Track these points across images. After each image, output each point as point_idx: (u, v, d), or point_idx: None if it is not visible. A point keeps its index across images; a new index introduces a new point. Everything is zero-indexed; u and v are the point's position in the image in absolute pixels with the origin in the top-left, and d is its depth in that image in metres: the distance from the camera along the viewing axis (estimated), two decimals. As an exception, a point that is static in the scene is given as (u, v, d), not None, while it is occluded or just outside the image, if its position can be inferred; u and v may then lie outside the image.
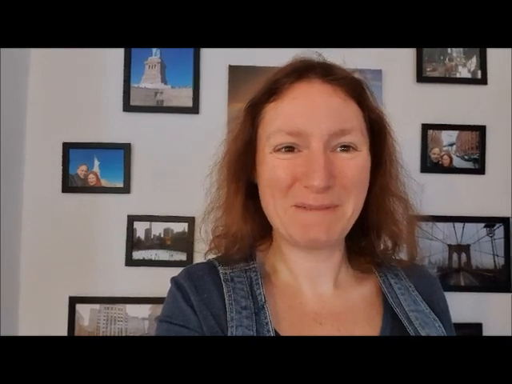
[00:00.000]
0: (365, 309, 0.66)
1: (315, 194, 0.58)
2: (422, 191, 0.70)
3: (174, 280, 0.67)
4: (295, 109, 0.60)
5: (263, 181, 0.63)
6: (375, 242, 0.69)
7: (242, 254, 0.67)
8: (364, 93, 0.64)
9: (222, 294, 0.63)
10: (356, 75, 0.65)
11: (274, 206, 0.62)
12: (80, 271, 1.32)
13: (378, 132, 0.65)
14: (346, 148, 0.60)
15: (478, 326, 1.34)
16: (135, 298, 1.31)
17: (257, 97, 0.65)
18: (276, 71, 0.65)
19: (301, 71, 0.62)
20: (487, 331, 1.34)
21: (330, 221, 0.59)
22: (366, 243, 0.69)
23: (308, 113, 0.59)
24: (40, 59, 1.34)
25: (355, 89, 0.63)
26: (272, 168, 0.61)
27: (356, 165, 0.60)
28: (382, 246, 0.69)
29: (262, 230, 0.69)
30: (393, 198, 0.67)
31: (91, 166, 1.34)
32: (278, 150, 0.60)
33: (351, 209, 0.60)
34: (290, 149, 0.60)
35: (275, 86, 0.63)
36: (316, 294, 0.66)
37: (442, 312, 0.69)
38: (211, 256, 0.71)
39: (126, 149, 1.33)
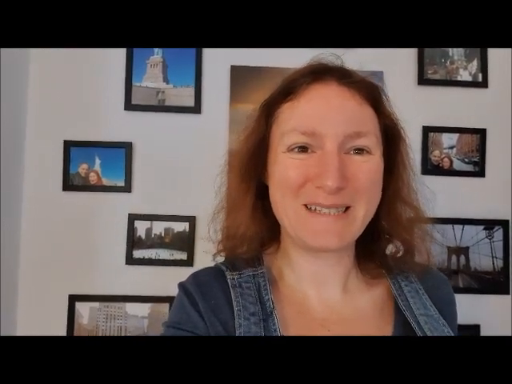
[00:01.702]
0: (375, 315, 0.65)
1: (327, 194, 0.57)
2: (435, 199, 0.69)
3: (181, 285, 0.66)
4: (311, 109, 0.59)
5: (274, 180, 0.62)
6: (386, 247, 0.68)
7: (249, 254, 0.66)
8: (380, 98, 0.63)
9: (229, 300, 0.62)
10: (372, 80, 0.64)
11: (283, 205, 0.61)
12: (80, 270, 1.32)
13: (391, 137, 0.64)
14: (360, 151, 0.59)
15: (476, 328, 1.34)
16: (135, 297, 1.31)
17: (272, 96, 0.64)
18: (293, 72, 0.64)
19: (318, 73, 0.62)
20: (485, 333, 1.34)
21: (342, 226, 0.58)
22: (377, 248, 0.68)
23: (324, 114, 0.59)
24: (41, 57, 1.34)
25: (371, 93, 0.62)
26: (284, 167, 0.60)
27: (369, 168, 0.59)
28: (393, 250, 0.68)
29: (271, 233, 0.68)
30: (404, 205, 0.66)
31: (92, 165, 1.34)
32: (292, 149, 0.59)
33: (363, 212, 0.59)
34: (303, 149, 0.59)
35: (292, 85, 0.62)
36: (324, 300, 0.65)
37: (450, 315, 0.68)
38: (219, 259, 0.70)
39: (127, 148, 1.34)
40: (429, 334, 0.61)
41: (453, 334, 0.64)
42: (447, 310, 0.68)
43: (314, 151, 0.59)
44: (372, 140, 0.60)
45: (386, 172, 0.63)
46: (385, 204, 0.64)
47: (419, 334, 0.61)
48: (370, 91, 0.62)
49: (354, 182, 0.58)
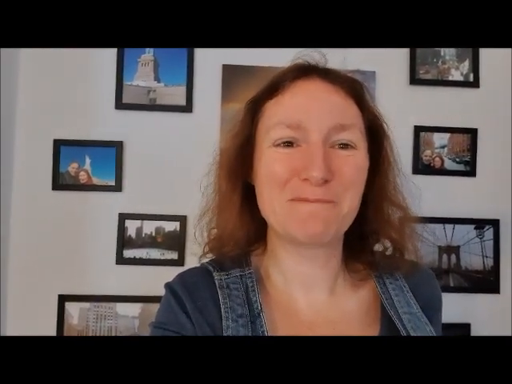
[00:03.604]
0: (361, 316, 0.65)
1: (313, 187, 0.57)
2: (420, 195, 0.70)
3: (167, 286, 0.65)
4: (296, 103, 0.60)
5: (260, 176, 0.62)
6: (373, 246, 0.68)
7: (236, 252, 0.66)
8: (364, 94, 0.64)
9: (216, 301, 0.62)
10: (356, 77, 0.65)
11: (270, 201, 0.61)
12: (70, 269, 1.31)
13: (375, 134, 0.65)
14: (345, 145, 0.59)
15: (467, 327, 1.35)
16: (125, 297, 1.30)
17: (258, 94, 0.65)
18: (279, 71, 0.65)
19: (303, 70, 0.63)
20: (475, 331, 1.35)
21: (326, 214, 0.58)
22: (365, 248, 0.68)
23: (308, 107, 0.59)
24: (31, 56, 1.33)
25: (355, 89, 0.63)
26: (270, 162, 0.60)
27: (354, 162, 0.59)
28: (381, 249, 0.69)
29: (258, 233, 0.68)
30: (390, 204, 0.66)
31: (82, 164, 1.33)
32: (277, 144, 0.60)
33: (347, 207, 0.59)
34: (288, 144, 0.59)
35: (277, 82, 0.63)
36: (311, 302, 0.65)
37: (434, 311, 0.69)
38: (205, 259, 0.70)
39: (117, 147, 1.33)
40: (412, 332, 0.61)
41: (434, 333, 0.64)
42: (435, 306, 0.69)
43: (300, 145, 0.59)
44: (356, 134, 0.60)
45: (371, 169, 0.63)
46: (371, 203, 0.65)
47: (403, 332, 0.61)
48: (353, 87, 0.63)
49: (339, 175, 0.58)
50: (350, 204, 0.60)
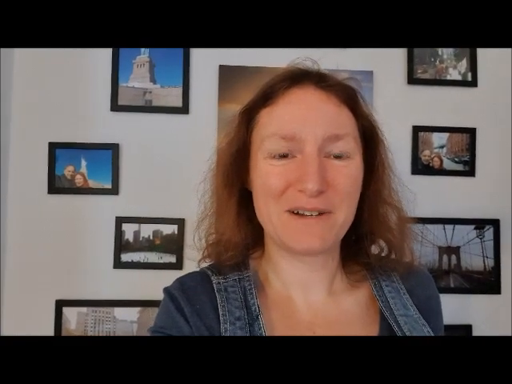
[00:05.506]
0: (360, 316, 0.65)
1: (308, 197, 0.57)
2: (415, 199, 0.70)
3: (166, 290, 0.66)
4: (290, 113, 0.60)
5: (256, 187, 0.62)
6: (369, 248, 0.68)
7: (234, 260, 0.66)
8: (357, 100, 0.64)
9: (215, 304, 0.62)
10: (350, 83, 0.65)
11: (267, 211, 0.61)
12: (67, 274, 1.30)
13: (370, 139, 0.65)
14: (340, 155, 0.60)
15: (468, 328, 1.35)
16: (124, 301, 1.29)
17: (252, 102, 0.65)
18: (271, 77, 0.65)
19: (296, 77, 0.63)
20: (477, 333, 1.34)
21: (323, 228, 0.59)
22: (361, 249, 0.68)
23: (302, 117, 0.59)
24: (25, 58, 1.32)
25: (349, 96, 0.63)
26: (265, 174, 0.60)
27: (349, 173, 0.60)
28: (376, 251, 0.69)
29: (256, 238, 0.68)
30: (386, 205, 0.67)
31: (78, 167, 1.32)
32: (272, 156, 0.60)
33: (343, 216, 0.60)
34: (284, 154, 0.60)
35: (270, 91, 0.63)
36: (309, 303, 0.65)
37: (433, 312, 0.69)
38: (204, 264, 0.70)
39: (114, 149, 1.31)
40: (408, 334, 0.62)
41: (432, 334, 0.64)
42: (432, 307, 0.69)
43: (295, 155, 0.59)
44: (351, 143, 0.60)
45: (366, 174, 0.64)
46: (367, 205, 0.65)
47: (399, 333, 0.62)
48: (347, 94, 0.63)
49: (334, 186, 0.59)
50: (346, 213, 0.60)
